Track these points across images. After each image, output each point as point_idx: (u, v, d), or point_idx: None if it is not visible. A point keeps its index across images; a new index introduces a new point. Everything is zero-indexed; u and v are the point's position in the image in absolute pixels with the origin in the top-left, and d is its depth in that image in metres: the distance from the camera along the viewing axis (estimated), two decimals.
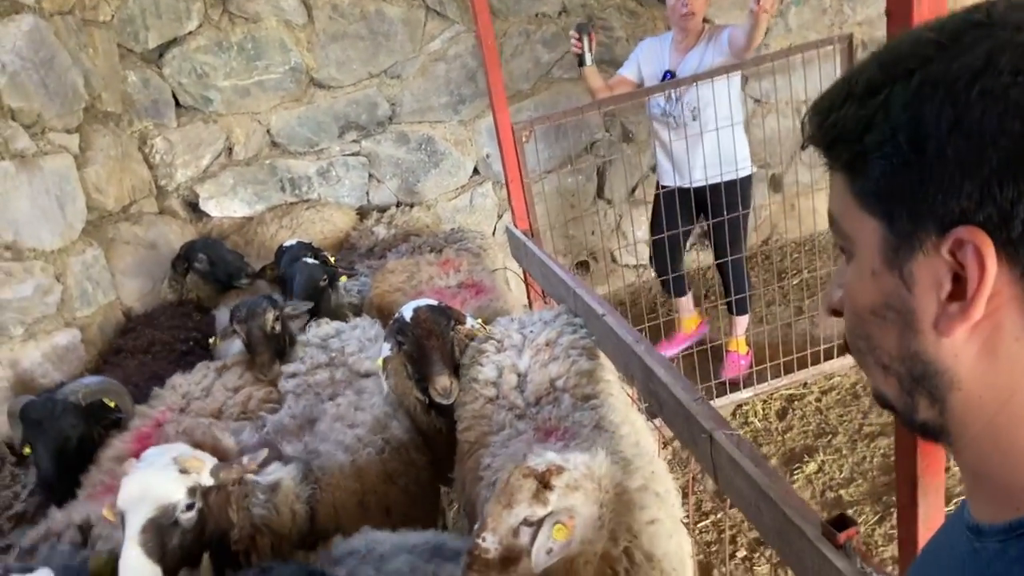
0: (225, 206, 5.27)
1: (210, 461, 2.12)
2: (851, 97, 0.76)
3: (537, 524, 1.79)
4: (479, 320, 2.81)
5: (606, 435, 2.29)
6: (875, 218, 0.75)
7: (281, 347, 3.26)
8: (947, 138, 0.67)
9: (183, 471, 2.03)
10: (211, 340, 3.46)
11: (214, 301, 4.19)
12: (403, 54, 5.32)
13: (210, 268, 4.18)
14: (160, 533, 1.96)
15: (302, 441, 2.70)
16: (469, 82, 5.49)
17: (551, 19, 5.54)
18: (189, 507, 2.03)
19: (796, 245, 6.13)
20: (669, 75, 4.45)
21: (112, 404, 2.83)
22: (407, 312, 2.71)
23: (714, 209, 4.39)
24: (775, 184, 6.33)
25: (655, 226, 4.77)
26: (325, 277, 3.70)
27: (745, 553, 3.53)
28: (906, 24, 1.22)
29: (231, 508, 2.14)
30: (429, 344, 2.69)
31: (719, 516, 3.79)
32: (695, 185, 4.38)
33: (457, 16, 5.33)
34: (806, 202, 6.07)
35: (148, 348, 3.65)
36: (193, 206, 5.21)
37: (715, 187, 4.38)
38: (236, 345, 3.62)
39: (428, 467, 2.90)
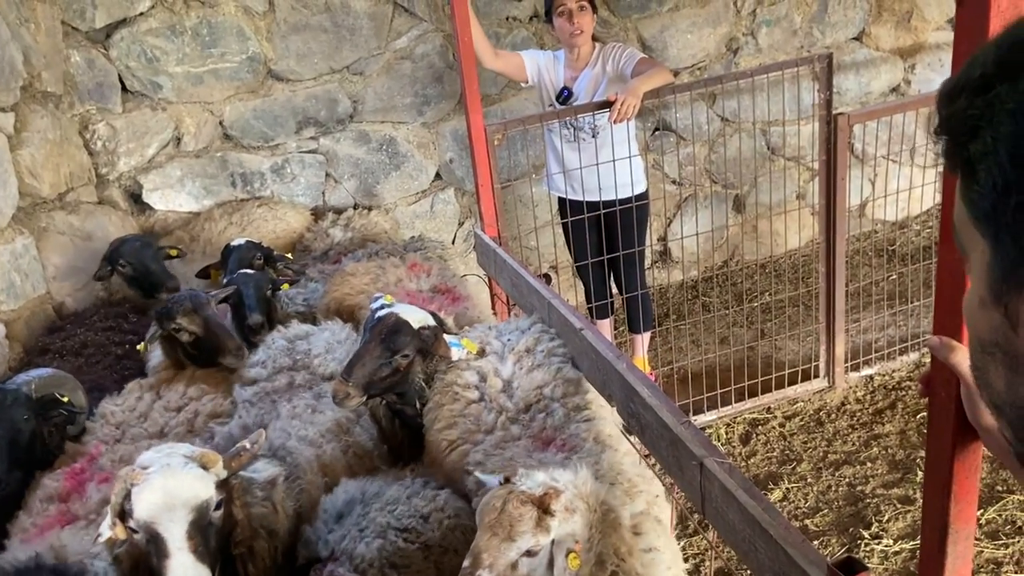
0: (171, 199, 4.96)
1: (217, 454, 1.95)
2: (966, 88, 0.64)
3: (539, 553, 1.62)
4: (466, 343, 2.60)
5: (610, 451, 2.14)
6: (984, 238, 0.64)
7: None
8: None
9: (203, 467, 1.86)
10: (138, 346, 3.17)
11: (142, 305, 3.91)
12: (367, 50, 5.11)
13: (133, 275, 3.90)
14: (203, 535, 1.82)
15: (267, 440, 2.49)
16: (435, 83, 5.30)
17: (522, 24, 5.40)
18: (219, 505, 1.89)
19: (757, 267, 6.09)
20: (566, 92, 4.46)
21: (65, 399, 2.58)
22: (384, 310, 2.52)
23: (610, 227, 4.37)
24: (738, 205, 6.30)
25: (571, 251, 4.77)
26: (270, 286, 3.47)
27: None
28: (981, 15, 1.08)
29: (235, 505, 1.97)
30: (365, 348, 2.49)
31: (682, 543, 3.66)
32: (588, 199, 4.32)
33: (426, 14, 5.15)
34: (767, 224, 6.05)
35: (80, 350, 3.35)
36: (136, 197, 4.90)
37: (608, 204, 4.35)
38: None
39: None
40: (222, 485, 1.92)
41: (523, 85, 4.77)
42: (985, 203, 0.62)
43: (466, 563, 1.64)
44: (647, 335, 4.89)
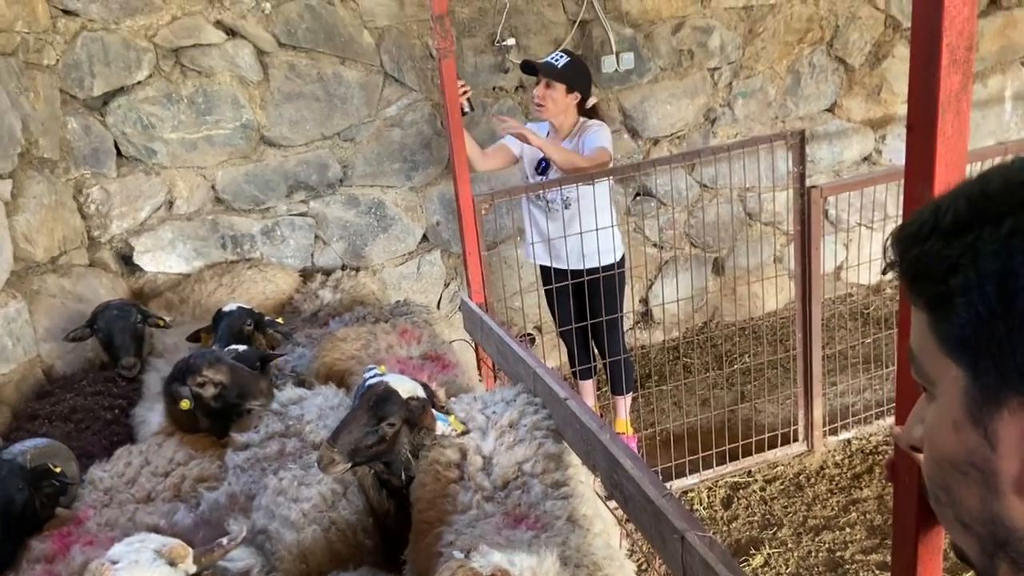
0: (161, 261, 5.03)
1: (188, 548, 1.95)
2: (936, 232, 0.72)
3: None
4: (452, 420, 2.66)
5: (580, 531, 2.19)
6: (959, 366, 0.70)
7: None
8: None
9: (171, 563, 1.87)
10: (182, 404, 3.16)
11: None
12: (358, 118, 5.26)
13: (103, 341, 3.92)
14: None
15: (249, 519, 2.51)
16: (423, 149, 5.46)
17: (508, 94, 5.59)
18: None
19: (737, 329, 6.21)
20: (544, 163, 4.59)
21: (57, 469, 2.60)
22: (376, 379, 2.58)
23: (590, 293, 4.48)
24: (717, 268, 6.45)
25: (554, 316, 4.85)
26: (257, 363, 3.50)
27: None
28: (929, 140, 1.21)
29: None
30: (353, 415, 2.53)
31: None
32: (571, 267, 4.47)
33: (415, 84, 5.32)
34: (745, 287, 6.20)
35: (70, 415, 3.37)
36: (126, 259, 4.96)
37: (591, 271, 4.45)
38: (156, 416, 3.39)
39: (375, 552, 2.73)
40: None
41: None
42: (964, 332, 0.68)
43: None
44: (628, 397, 4.97)
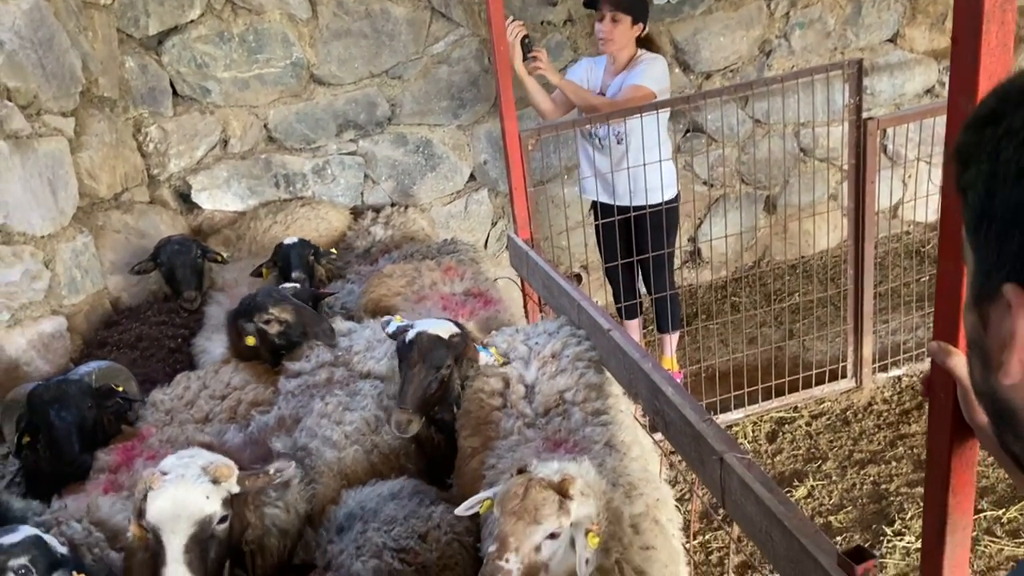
0: (218, 199, 5.18)
1: (235, 467, 2.08)
2: (971, 124, 0.75)
3: (561, 535, 1.75)
4: (494, 350, 2.74)
5: (617, 455, 2.26)
6: (972, 251, 0.76)
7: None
8: (1010, 191, 0.67)
9: (214, 481, 1.99)
10: (247, 340, 3.27)
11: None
12: (406, 55, 5.26)
13: (166, 275, 4.08)
14: (201, 548, 1.94)
15: (291, 437, 2.65)
16: (471, 87, 5.45)
17: (556, 28, 5.51)
18: (223, 519, 2.01)
19: (788, 267, 6.14)
20: (601, 96, 4.54)
21: (120, 388, 2.79)
22: (412, 332, 2.65)
23: (640, 230, 4.44)
24: (769, 205, 6.35)
25: (601, 253, 4.86)
26: (310, 301, 3.58)
27: None
28: (974, 52, 1.19)
29: (248, 508, 2.12)
30: (409, 374, 2.62)
31: (707, 537, 3.77)
32: (619, 203, 4.47)
33: (463, 19, 5.29)
34: (797, 224, 6.10)
35: (136, 343, 3.55)
36: (185, 197, 5.11)
37: (639, 208, 4.43)
38: (215, 346, 3.54)
39: (418, 475, 2.84)
40: (231, 500, 2.04)
41: None
42: (971, 223, 0.74)
43: (492, 548, 1.75)
44: (675, 335, 4.99)
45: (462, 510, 1.99)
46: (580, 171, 4.79)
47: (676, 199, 4.67)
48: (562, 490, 1.79)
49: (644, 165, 4.19)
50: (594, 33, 4.52)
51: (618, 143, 4.45)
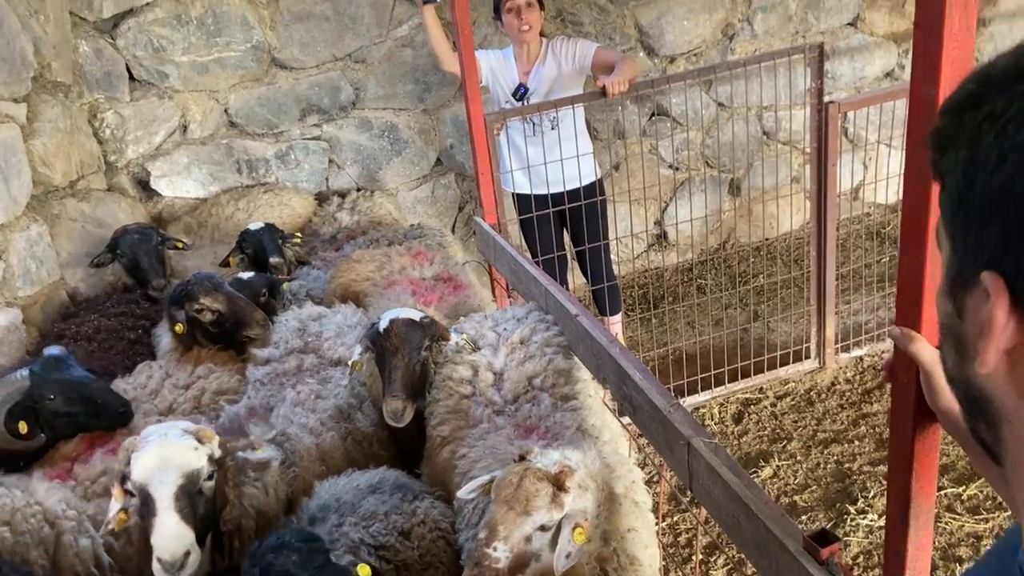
0: (178, 186, 5.07)
1: (214, 433, 2.09)
2: (948, 109, 0.74)
3: (553, 528, 1.75)
4: (464, 335, 2.72)
5: (589, 439, 2.26)
6: (949, 239, 0.75)
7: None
8: (990, 177, 0.65)
9: (199, 440, 2.00)
10: (176, 328, 3.25)
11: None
12: (369, 38, 5.19)
13: (127, 265, 3.99)
14: (190, 501, 1.95)
15: (268, 424, 2.62)
16: (436, 70, 5.36)
17: None
18: (210, 476, 2.02)
19: (752, 250, 6.20)
20: (523, 88, 4.54)
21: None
22: (383, 321, 2.62)
23: (575, 215, 4.45)
24: (733, 188, 6.40)
25: (531, 247, 4.76)
26: (264, 291, 3.56)
27: (701, 557, 3.55)
28: (936, 36, 1.19)
29: (227, 485, 2.10)
30: (393, 361, 2.61)
31: (675, 519, 3.81)
32: (552, 191, 4.48)
33: None
34: (761, 207, 6.15)
35: (94, 335, 3.47)
36: (144, 184, 5.00)
37: (573, 192, 4.47)
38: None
39: (392, 462, 2.83)
40: (215, 461, 2.06)
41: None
42: (949, 210, 0.73)
43: (481, 535, 1.74)
44: (617, 317, 4.97)
45: (464, 492, 1.98)
46: (502, 165, 4.55)
47: (602, 184, 4.73)
48: (558, 482, 1.78)
49: (578, 152, 4.28)
50: (506, 27, 4.45)
51: (552, 128, 4.42)
